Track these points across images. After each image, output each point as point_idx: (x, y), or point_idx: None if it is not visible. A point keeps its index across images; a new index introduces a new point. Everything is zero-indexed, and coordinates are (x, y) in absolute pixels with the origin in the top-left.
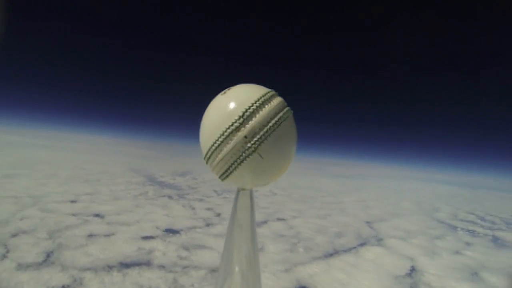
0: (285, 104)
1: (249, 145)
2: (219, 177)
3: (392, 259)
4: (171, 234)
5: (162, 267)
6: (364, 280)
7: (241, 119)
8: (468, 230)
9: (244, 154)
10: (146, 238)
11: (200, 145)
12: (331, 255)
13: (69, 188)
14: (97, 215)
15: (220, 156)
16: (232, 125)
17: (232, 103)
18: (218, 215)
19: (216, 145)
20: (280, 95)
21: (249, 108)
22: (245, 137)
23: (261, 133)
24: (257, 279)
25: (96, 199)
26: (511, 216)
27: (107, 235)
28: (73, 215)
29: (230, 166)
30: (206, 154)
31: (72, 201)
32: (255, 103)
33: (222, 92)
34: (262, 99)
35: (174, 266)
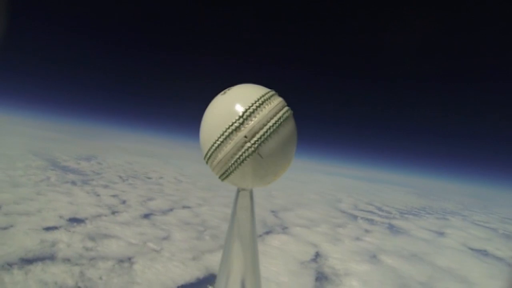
0: (285, 104)
1: (249, 145)
2: (219, 177)
3: (298, 246)
4: (75, 224)
5: (67, 260)
6: (271, 266)
7: (241, 119)
8: (367, 219)
9: (244, 154)
10: (49, 229)
11: (200, 145)
12: None
13: None
14: None
15: (220, 156)
16: (232, 125)
17: (232, 103)
18: (124, 202)
19: (216, 145)
20: (280, 95)
21: (249, 108)
22: (245, 137)
23: (261, 133)
24: (257, 279)
25: None
26: (404, 207)
27: (5, 228)
28: None
29: (230, 166)
30: (206, 154)
31: None
32: (255, 103)
33: (222, 92)
34: (262, 99)
35: (80, 259)
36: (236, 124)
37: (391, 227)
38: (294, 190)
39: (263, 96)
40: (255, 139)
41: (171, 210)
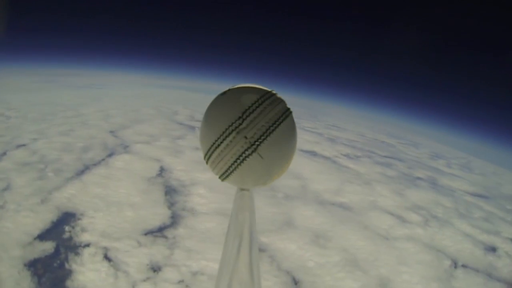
0: (285, 104)
1: (249, 145)
2: (219, 177)
3: (141, 163)
4: None
5: None
6: (120, 188)
7: (241, 119)
8: None
9: (244, 154)
10: None
11: (200, 144)
12: (82, 172)
13: None
14: None
15: (220, 156)
16: (232, 125)
17: (232, 103)
18: None
19: (216, 145)
20: (280, 95)
21: (249, 108)
22: (245, 137)
23: (261, 133)
24: (257, 280)
25: None
26: None
27: None
28: None
29: (230, 166)
30: (206, 154)
31: None
32: (255, 103)
33: (222, 92)
34: (262, 99)
35: None
36: (236, 124)
37: None
38: (130, 106)
39: (263, 96)
40: (255, 139)
41: (4, 154)
